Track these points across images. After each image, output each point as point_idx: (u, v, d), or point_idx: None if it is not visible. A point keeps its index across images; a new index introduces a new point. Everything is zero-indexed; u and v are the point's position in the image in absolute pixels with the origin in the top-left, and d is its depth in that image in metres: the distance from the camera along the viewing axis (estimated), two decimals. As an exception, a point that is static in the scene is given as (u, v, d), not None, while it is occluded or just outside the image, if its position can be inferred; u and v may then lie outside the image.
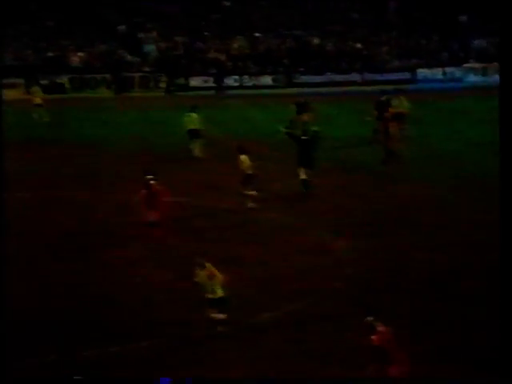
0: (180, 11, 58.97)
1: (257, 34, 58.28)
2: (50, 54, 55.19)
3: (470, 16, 58.83)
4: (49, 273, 20.39)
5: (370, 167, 29.95)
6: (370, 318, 13.19)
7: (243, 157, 24.95)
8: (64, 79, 53.64)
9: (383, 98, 34.57)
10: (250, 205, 24.60)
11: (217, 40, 57.71)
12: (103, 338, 16.69)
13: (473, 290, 18.19)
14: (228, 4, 60.39)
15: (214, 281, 17.25)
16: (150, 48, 57.03)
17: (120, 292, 19.34)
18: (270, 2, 60.78)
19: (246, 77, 55.62)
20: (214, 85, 54.24)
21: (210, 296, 17.20)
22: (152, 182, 22.43)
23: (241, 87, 54.51)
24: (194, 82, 54.71)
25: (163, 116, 42.23)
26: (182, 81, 54.79)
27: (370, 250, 21.08)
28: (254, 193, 24.66)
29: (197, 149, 31.40)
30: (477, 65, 56.17)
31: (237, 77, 55.23)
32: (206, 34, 57.99)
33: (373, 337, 13.01)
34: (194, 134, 32.06)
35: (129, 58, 56.37)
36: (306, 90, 51.33)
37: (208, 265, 17.16)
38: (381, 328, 13.01)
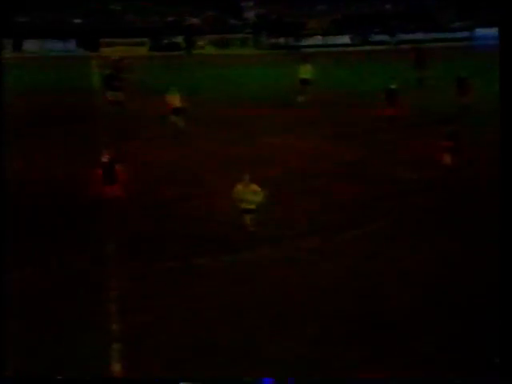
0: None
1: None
2: (170, 19, 63.09)
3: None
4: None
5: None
6: None
7: None
8: (179, 39, 61.42)
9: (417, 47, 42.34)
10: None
11: (306, 7, 64.51)
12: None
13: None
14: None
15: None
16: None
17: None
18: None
19: (330, 37, 62.61)
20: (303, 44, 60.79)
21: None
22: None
23: (325, 45, 60.93)
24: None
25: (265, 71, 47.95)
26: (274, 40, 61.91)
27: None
28: None
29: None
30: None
31: (320, 37, 62.78)
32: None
33: None
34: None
35: (232, 21, 64.21)
36: (379, 47, 58.88)
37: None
38: None
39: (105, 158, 21.35)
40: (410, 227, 19.85)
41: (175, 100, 30.65)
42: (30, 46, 60.16)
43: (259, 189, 19.13)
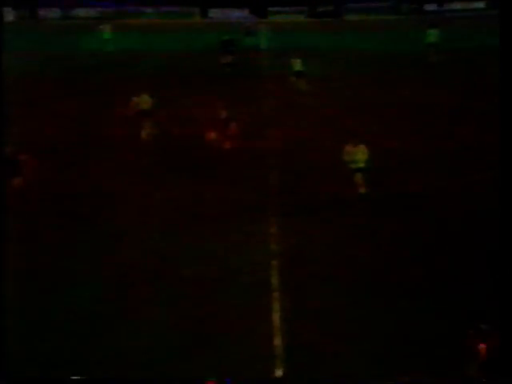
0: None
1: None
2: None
3: None
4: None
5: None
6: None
7: None
8: (330, 8, 66.96)
9: None
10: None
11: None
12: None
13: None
14: None
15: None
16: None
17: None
18: None
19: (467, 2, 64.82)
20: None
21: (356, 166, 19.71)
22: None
23: (461, 10, 63.54)
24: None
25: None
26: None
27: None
28: None
29: None
30: None
31: (458, 3, 65.30)
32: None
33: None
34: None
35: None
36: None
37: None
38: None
39: (222, 115, 22.88)
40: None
41: (296, 64, 33.93)
42: (213, 13, 66.74)
43: (366, 149, 19.57)
